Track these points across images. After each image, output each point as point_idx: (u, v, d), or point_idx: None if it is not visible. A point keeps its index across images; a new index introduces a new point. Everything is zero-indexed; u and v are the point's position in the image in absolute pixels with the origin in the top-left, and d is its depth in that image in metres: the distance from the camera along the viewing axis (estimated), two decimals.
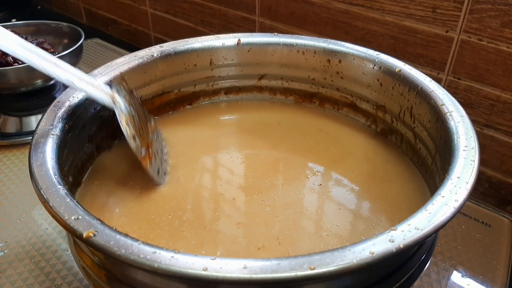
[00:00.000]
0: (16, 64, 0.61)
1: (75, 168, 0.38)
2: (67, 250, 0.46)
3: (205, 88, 0.50)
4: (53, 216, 0.26)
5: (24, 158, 0.60)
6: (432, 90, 0.37)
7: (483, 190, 0.60)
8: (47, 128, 0.33)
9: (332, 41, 0.46)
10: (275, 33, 0.48)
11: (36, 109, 0.65)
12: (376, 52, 0.43)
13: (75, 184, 0.38)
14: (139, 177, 0.40)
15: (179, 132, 0.46)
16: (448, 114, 0.34)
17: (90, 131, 0.41)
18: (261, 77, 0.50)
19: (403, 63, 0.41)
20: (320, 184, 0.39)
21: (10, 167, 0.58)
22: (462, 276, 0.44)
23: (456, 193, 0.27)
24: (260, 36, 0.48)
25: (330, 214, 0.36)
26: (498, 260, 0.45)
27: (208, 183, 0.39)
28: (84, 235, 0.25)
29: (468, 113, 0.56)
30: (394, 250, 0.24)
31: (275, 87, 0.51)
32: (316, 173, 0.40)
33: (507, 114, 0.54)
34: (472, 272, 0.44)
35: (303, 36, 0.47)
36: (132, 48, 1.01)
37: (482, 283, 0.43)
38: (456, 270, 0.44)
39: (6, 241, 0.47)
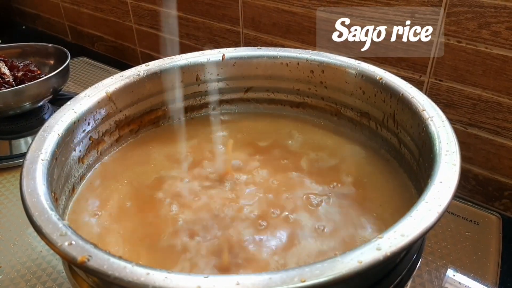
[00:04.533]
0: (3, 88, 0.61)
1: (67, 189, 0.38)
2: (63, 272, 0.46)
3: (193, 103, 0.50)
4: (47, 244, 0.26)
5: (15, 181, 0.60)
6: (413, 97, 0.38)
7: (471, 187, 0.61)
8: (37, 154, 0.34)
9: (314, 52, 0.47)
10: (258, 47, 0.49)
11: (25, 131, 0.65)
12: (357, 61, 0.44)
13: (67, 205, 0.38)
14: (130, 193, 0.40)
15: (165, 147, 0.47)
16: (429, 119, 0.35)
17: (80, 153, 0.41)
18: (247, 89, 0.51)
19: (384, 71, 0.42)
20: (307, 193, 0.39)
21: (2, 191, 0.58)
22: (454, 275, 0.44)
23: (439, 198, 0.28)
24: (243, 50, 0.49)
25: (317, 222, 0.36)
26: (488, 257, 0.46)
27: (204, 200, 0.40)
28: (78, 260, 0.25)
29: (451, 113, 0.58)
30: (382, 258, 0.24)
31: (261, 98, 0.51)
32: (303, 181, 0.41)
33: (489, 112, 0.55)
34: (463, 270, 0.45)
35: (286, 48, 0.48)
36: (119, 63, 1.02)
37: (473, 280, 0.44)
38: (447, 269, 0.45)
39: (1, 266, 0.47)
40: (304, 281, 0.23)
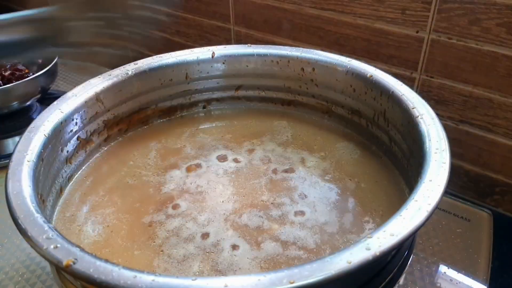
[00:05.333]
0: None
1: (55, 190, 0.38)
2: (52, 274, 0.46)
3: (182, 101, 0.50)
4: (32, 247, 0.26)
5: (2, 182, 0.59)
6: (403, 94, 0.38)
7: (462, 184, 0.61)
8: (22, 156, 0.33)
9: (305, 49, 0.46)
10: (248, 44, 0.49)
11: (13, 131, 0.64)
12: (348, 59, 0.44)
13: (55, 206, 0.38)
14: (119, 192, 0.40)
15: (154, 146, 0.46)
16: (419, 117, 0.35)
17: (68, 153, 0.40)
18: (238, 88, 0.50)
19: (375, 69, 0.42)
20: (300, 193, 0.39)
21: None
22: (445, 272, 0.44)
23: (429, 197, 0.28)
24: (234, 48, 0.48)
25: (312, 219, 0.36)
26: (479, 254, 0.46)
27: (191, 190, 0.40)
28: (64, 264, 0.24)
29: (442, 110, 0.58)
30: (371, 258, 0.24)
31: (252, 96, 0.51)
32: (296, 178, 0.41)
33: (480, 109, 0.55)
34: (454, 267, 0.45)
35: (276, 46, 0.48)
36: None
37: (464, 276, 0.44)
38: (439, 266, 0.45)
39: None
40: (293, 283, 0.23)
